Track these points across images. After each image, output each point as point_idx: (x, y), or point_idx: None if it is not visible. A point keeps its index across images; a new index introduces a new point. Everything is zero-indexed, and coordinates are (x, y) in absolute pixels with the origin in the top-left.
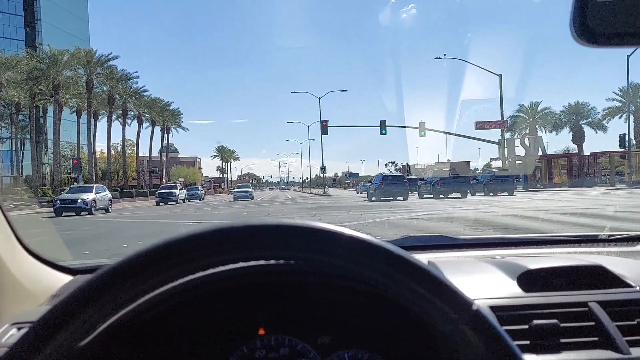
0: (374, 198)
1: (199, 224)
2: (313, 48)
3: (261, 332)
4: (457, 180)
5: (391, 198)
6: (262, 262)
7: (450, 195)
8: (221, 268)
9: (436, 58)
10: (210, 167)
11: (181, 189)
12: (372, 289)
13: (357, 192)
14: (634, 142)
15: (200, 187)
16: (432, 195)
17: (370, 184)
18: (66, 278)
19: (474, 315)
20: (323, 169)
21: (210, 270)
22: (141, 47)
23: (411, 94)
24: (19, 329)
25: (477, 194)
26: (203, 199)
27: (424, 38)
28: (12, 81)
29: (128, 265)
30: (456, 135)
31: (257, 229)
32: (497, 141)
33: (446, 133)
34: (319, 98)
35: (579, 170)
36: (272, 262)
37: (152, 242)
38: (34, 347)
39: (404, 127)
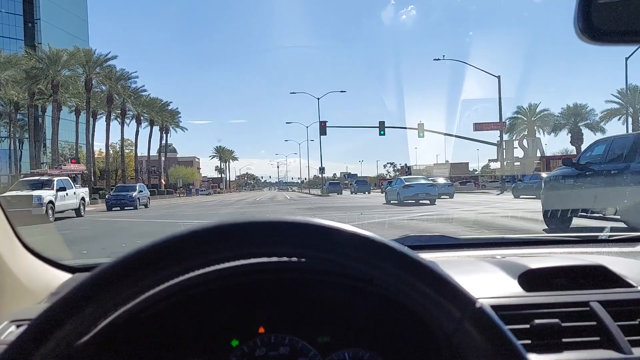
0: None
1: (200, 223)
2: (312, 47)
3: (261, 330)
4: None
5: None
6: (263, 259)
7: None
8: (222, 265)
9: (435, 59)
10: (209, 167)
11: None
12: (374, 288)
13: (352, 192)
14: None
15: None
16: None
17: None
18: (65, 276)
19: (478, 313)
20: (322, 170)
21: (211, 268)
22: (140, 47)
23: (411, 94)
24: (18, 326)
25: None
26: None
27: (424, 38)
28: (11, 80)
29: (128, 262)
30: (455, 136)
31: (259, 225)
32: (496, 143)
33: (444, 134)
34: (318, 99)
35: None
36: (274, 259)
37: (152, 240)
38: (33, 344)
39: (403, 127)
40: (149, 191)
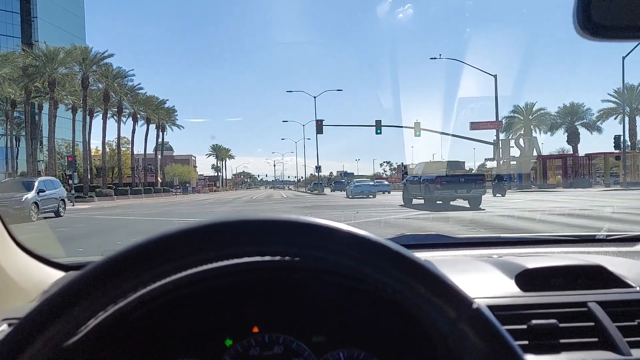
0: (349, 196)
1: (192, 221)
2: (309, 44)
3: (255, 330)
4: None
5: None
6: (257, 258)
7: None
8: (215, 264)
9: (431, 58)
10: (205, 166)
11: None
12: (368, 287)
13: (332, 191)
14: (629, 144)
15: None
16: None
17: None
18: (58, 274)
19: (474, 314)
20: (318, 168)
21: (204, 267)
22: (137, 45)
23: (408, 92)
24: (9, 324)
25: None
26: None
27: (420, 36)
28: (7, 78)
29: (119, 260)
30: (451, 135)
31: (252, 223)
32: (492, 142)
33: (441, 133)
34: (315, 97)
35: (573, 171)
36: (268, 258)
37: (145, 237)
38: (21, 343)
39: (399, 126)
40: (144, 189)
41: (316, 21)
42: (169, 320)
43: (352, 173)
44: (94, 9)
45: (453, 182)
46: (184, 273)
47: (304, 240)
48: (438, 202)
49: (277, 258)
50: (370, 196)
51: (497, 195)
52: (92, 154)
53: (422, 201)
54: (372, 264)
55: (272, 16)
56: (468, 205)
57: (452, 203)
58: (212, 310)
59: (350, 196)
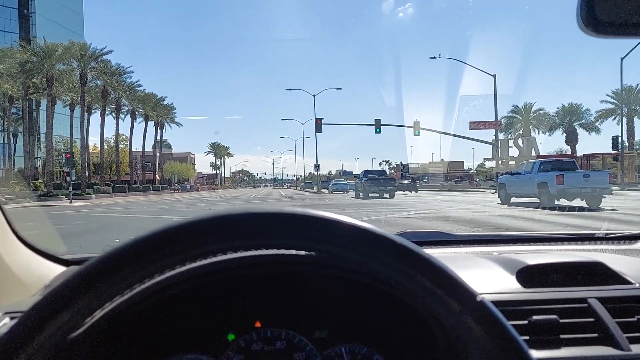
0: (331, 191)
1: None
2: (308, 41)
3: (257, 324)
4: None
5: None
6: (261, 251)
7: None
8: (219, 258)
9: (431, 58)
10: (204, 163)
11: None
12: (371, 282)
13: (329, 192)
14: (627, 145)
15: None
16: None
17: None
18: (60, 269)
19: (478, 306)
20: (317, 167)
21: (209, 260)
22: (135, 42)
23: (409, 91)
24: (11, 318)
25: None
26: None
27: (421, 35)
28: (5, 73)
29: (125, 252)
30: (451, 135)
31: (256, 216)
32: (491, 141)
33: (440, 132)
34: (314, 96)
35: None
36: (272, 251)
37: (151, 229)
38: (24, 337)
39: (399, 125)
40: (142, 187)
41: (316, 19)
42: (172, 315)
43: (351, 172)
44: (92, 4)
45: (377, 181)
46: (189, 266)
47: (309, 233)
48: (369, 193)
49: (282, 251)
50: (344, 192)
51: (411, 192)
52: (90, 151)
53: (361, 193)
54: (376, 257)
55: (272, 13)
56: (387, 196)
57: (375, 194)
58: (215, 305)
59: (330, 192)
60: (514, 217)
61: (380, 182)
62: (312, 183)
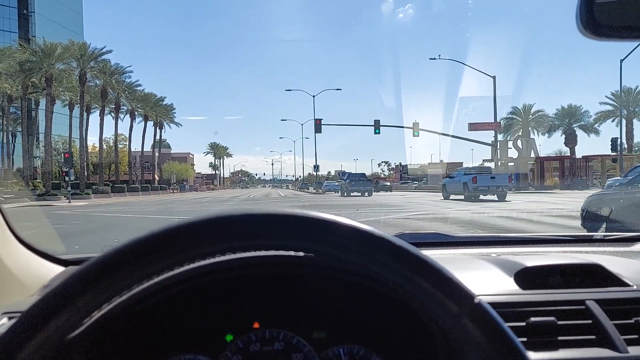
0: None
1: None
2: (308, 42)
3: (256, 325)
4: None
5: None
6: (260, 252)
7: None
8: (218, 258)
9: (431, 59)
10: (203, 164)
11: None
12: (370, 283)
13: (322, 192)
14: (626, 146)
15: None
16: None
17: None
18: (58, 269)
19: (476, 308)
20: (316, 168)
21: (207, 261)
22: (135, 42)
23: (409, 92)
24: (9, 318)
25: None
26: None
27: (421, 36)
28: (4, 73)
29: (124, 252)
30: (450, 136)
31: (255, 217)
32: (491, 143)
33: (439, 134)
34: (314, 96)
35: (570, 173)
36: (271, 252)
37: (150, 230)
38: (23, 337)
39: (398, 126)
40: (141, 187)
41: (316, 19)
42: (170, 315)
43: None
44: (92, 4)
45: (357, 183)
46: (187, 267)
47: (308, 234)
48: (351, 192)
49: (280, 252)
50: (335, 192)
51: (387, 192)
52: (89, 150)
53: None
54: (375, 259)
55: (272, 14)
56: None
57: (354, 194)
58: (213, 305)
59: (323, 192)
60: (513, 218)
61: (359, 183)
62: (308, 184)
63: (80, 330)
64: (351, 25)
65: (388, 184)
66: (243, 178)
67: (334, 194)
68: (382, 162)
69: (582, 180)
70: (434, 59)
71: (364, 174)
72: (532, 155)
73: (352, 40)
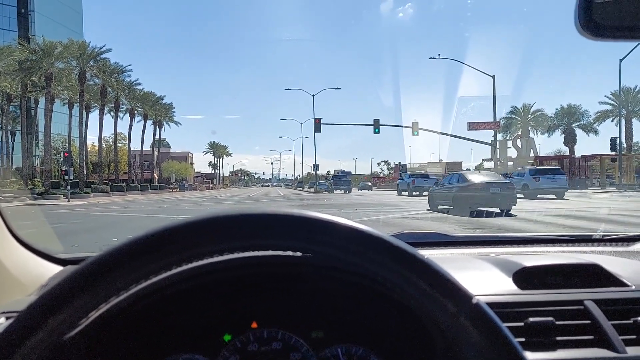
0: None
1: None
2: (308, 41)
3: (254, 325)
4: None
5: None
6: (258, 252)
7: None
8: (216, 258)
9: (430, 58)
10: (202, 163)
11: None
12: (367, 283)
13: (314, 190)
14: (625, 146)
15: None
16: None
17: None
18: (57, 268)
19: (474, 308)
20: (315, 167)
21: (206, 260)
22: (135, 41)
23: (408, 91)
24: (7, 318)
25: None
26: None
27: (421, 36)
28: (4, 71)
29: (122, 252)
30: (449, 135)
31: (253, 217)
32: (490, 142)
33: (439, 133)
34: (313, 95)
35: (570, 172)
36: (269, 252)
37: (148, 229)
38: (20, 337)
39: (397, 126)
40: (141, 186)
41: (316, 19)
42: (168, 315)
43: (350, 172)
44: (92, 3)
45: (339, 182)
46: (185, 266)
47: (306, 234)
48: (335, 190)
49: (278, 253)
50: (326, 191)
51: (368, 190)
52: (88, 149)
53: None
54: (373, 259)
55: (272, 14)
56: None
57: (337, 191)
58: (211, 305)
59: (315, 191)
60: (512, 218)
61: (341, 182)
62: (302, 183)
63: (77, 330)
64: (351, 25)
65: (369, 183)
66: (242, 177)
67: (324, 192)
68: (382, 161)
69: (582, 179)
70: (434, 58)
71: (345, 175)
72: (532, 154)
73: (352, 40)
